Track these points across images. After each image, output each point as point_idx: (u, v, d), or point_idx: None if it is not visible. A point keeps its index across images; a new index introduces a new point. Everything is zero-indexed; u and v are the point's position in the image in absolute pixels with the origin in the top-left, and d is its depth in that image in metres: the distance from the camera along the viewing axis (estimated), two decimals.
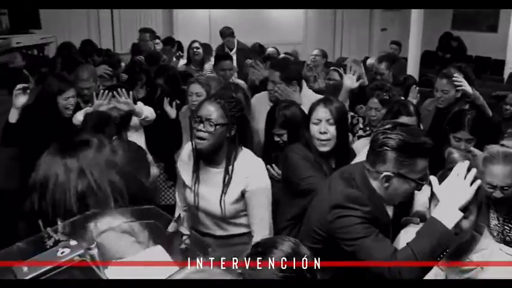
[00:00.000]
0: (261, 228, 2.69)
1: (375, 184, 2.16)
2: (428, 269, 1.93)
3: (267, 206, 2.72)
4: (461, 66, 4.45)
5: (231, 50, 7.54)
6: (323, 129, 2.83)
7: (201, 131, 2.52)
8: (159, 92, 4.78)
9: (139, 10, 9.26)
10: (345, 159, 2.87)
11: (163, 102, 4.15)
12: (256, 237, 2.64)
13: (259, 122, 3.68)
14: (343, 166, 2.63)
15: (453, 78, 4.01)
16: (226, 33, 7.81)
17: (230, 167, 2.62)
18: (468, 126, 3.30)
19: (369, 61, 6.34)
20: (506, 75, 10.87)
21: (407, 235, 2.18)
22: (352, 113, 4.07)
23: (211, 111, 2.52)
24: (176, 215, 2.76)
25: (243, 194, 2.67)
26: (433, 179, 1.96)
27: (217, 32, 8.24)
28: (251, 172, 2.66)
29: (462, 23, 12.87)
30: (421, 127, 3.60)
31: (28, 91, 3.56)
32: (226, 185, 2.63)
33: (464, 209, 1.86)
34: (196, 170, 2.70)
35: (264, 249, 1.68)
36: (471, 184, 1.87)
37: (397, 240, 2.28)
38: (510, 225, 2.76)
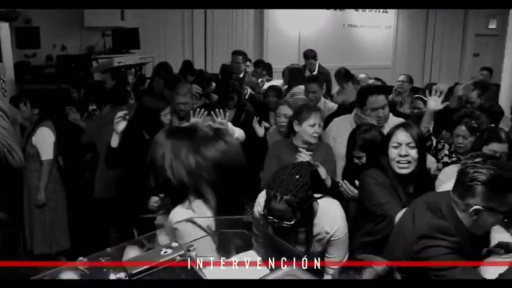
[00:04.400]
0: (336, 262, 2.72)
1: (461, 215, 2.15)
2: None
3: (346, 248, 2.78)
4: None
5: (312, 72, 7.63)
6: (403, 152, 2.83)
7: (279, 226, 2.51)
8: (244, 115, 4.96)
9: (232, 32, 9.62)
10: (424, 183, 2.89)
11: (252, 120, 4.28)
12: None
13: (339, 144, 3.78)
14: (422, 190, 2.67)
15: None
16: (310, 55, 7.91)
17: (309, 228, 2.64)
18: None
19: (458, 88, 6.21)
20: None
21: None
22: (437, 139, 4.04)
23: (283, 212, 2.47)
24: None
25: (326, 242, 2.73)
26: None
27: None
28: (331, 226, 2.70)
29: None
30: None
31: (128, 118, 3.74)
32: (309, 243, 2.67)
33: None
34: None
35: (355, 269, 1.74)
36: None
37: (480, 269, 2.23)
38: None
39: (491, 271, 2.08)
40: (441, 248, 2.08)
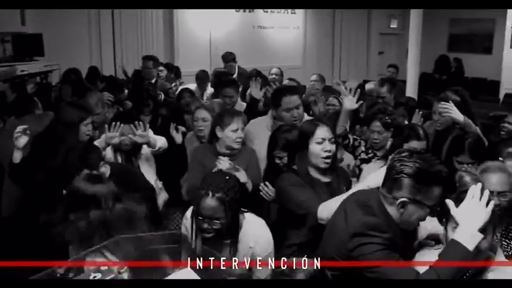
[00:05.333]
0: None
1: (390, 210, 2.21)
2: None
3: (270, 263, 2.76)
4: (458, 90, 4.40)
5: (232, 75, 7.63)
6: (328, 147, 2.91)
7: (207, 229, 2.50)
8: (160, 120, 4.85)
9: (141, 36, 9.38)
10: (337, 173, 3.03)
11: (170, 127, 4.18)
12: None
13: (257, 146, 3.79)
14: (336, 180, 2.89)
15: (439, 106, 3.96)
16: (228, 58, 7.92)
17: (235, 240, 2.63)
18: (468, 151, 3.38)
19: (368, 86, 6.42)
20: (501, 96, 11.05)
21: (423, 258, 2.25)
22: (354, 136, 4.13)
23: (214, 210, 2.48)
24: None
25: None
26: (449, 202, 2.05)
27: (217, 57, 8.39)
28: (255, 240, 2.67)
29: (458, 45, 13.09)
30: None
31: (28, 132, 3.52)
32: (232, 256, 2.63)
33: (482, 230, 1.96)
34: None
35: (288, 270, 1.73)
36: (487, 205, 1.98)
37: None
38: (507, 240, 2.93)
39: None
40: (374, 245, 2.11)
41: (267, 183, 3.32)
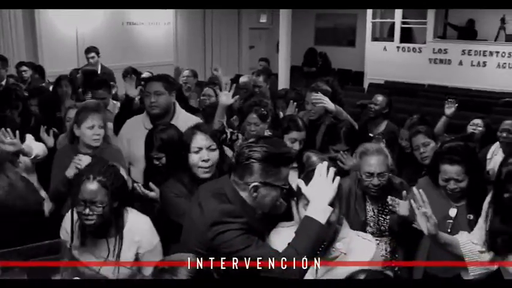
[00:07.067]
0: None
1: (244, 195, 2.24)
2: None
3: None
4: (328, 80, 4.66)
5: (96, 72, 7.33)
6: (206, 156, 2.80)
7: (88, 214, 2.41)
8: (33, 120, 4.53)
9: None
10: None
11: (40, 130, 3.92)
12: None
13: (134, 146, 3.68)
14: None
15: (312, 97, 4.14)
16: (91, 50, 7.64)
17: (119, 236, 2.55)
18: (344, 139, 3.61)
19: (242, 79, 6.48)
20: (366, 85, 11.79)
21: (279, 235, 2.36)
22: (231, 130, 4.14)
23: (95, 193, 2.41)
24: None
25: (136, 256, 2.61)
26: (300, 181, 2.18)
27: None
28: (141, 234, 2.60)
29: (324, 39, 13.74)
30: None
31: None
32: (117, 252, 2.54)
33: (331, 204, 2.10)
34: (82, 237, 2.56)
35: (170, 268, 1.69)
36: (333, 181, 2.11)
37: (270, 241, 2.38)
38: (383, 216, 3.20)
39: (280, 242, 2.23)
40: (233, 231, 2.14)
41: (150, 183, 3.19)
